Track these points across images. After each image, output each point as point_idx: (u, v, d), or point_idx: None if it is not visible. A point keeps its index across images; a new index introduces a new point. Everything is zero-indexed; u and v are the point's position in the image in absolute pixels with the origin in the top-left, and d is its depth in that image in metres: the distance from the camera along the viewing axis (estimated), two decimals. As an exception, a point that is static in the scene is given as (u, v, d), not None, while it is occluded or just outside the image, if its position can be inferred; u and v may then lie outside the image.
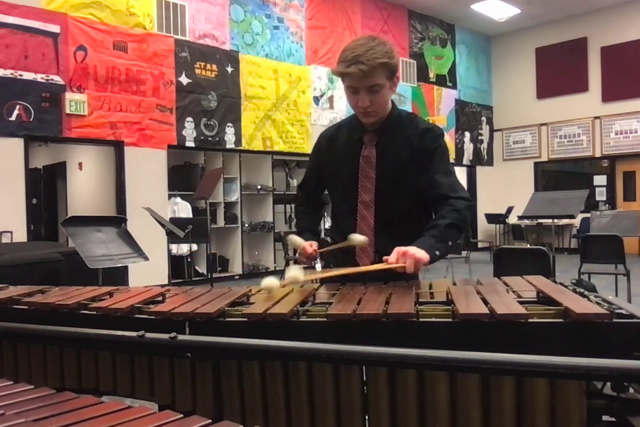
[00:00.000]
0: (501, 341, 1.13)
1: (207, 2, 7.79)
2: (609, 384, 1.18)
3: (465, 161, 11.95)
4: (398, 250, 1.48)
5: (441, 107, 11.38)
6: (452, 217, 1.62)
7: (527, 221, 10.06)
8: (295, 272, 1.48)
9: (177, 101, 7.42)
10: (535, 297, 1.33)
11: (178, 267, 7.40)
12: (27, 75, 6.11)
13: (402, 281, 1.54)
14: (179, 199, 7.54)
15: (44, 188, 9.28)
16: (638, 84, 10.34)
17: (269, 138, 8.42)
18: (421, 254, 1.47)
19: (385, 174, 1.75)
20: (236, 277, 8.16)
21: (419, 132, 1.74)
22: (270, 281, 1.47)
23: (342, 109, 9.47)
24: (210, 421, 0.82)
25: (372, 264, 1.72)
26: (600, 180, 11.14)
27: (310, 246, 1.76)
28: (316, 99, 9.09)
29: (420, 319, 1.19)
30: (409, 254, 1.46)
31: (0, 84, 5.91)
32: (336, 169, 1.85)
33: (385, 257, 1.51)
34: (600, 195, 11.06)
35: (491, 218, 11.18)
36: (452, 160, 11.54)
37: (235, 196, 8.23)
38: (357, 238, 1.66)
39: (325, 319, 1.24)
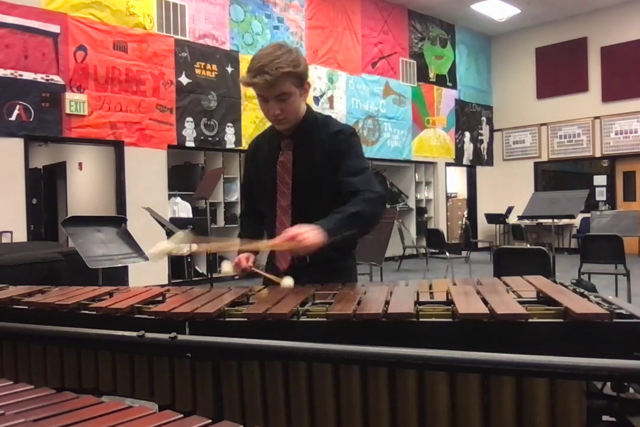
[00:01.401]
0: (501, 341, 1.13)
1: (207, 2, 7.79)
2: (609, 384, 1.18)
3: (465, 161, 11.95)
4: (287, 231, 1.50)
5: (441, 107, 11.38)
6: (359, 206, 1.61)
7: (527, 221, 10.06)
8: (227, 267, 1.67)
9: (177, 101, 7.42)
10: (535, 297, 1.33)
11: (178, 267, 7.40)
12: (27, 75, 6.11)
13: (403, 281, 1.54)
14: (179, 199, 7.53)
15: (44, 188, 9.28)
16: (638, 84, 10.34)
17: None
18: (314, 237, 1.47)
19: (300, 179, 1.76)
20: (236, 277, 8.13)
21: (331, 135, 1.74)
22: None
23: (342, 109, 9.47)
24: (210, 421, 0.82)
25: (289, 268, 1.74)
26: (600, 180, 11.15)
27: (247, 260, 1.77)
28: (316, 99, 9.09)
29: (420, 319, 1.19)
30: (298, 239, 1.46)
31: (0, 84, 5.91)
32: (259, 177, 1.88)
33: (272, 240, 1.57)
34: (600, 195, 11.06)
35: (491, 218, 11.18)
36: (452, 160, 11.59)
37: (235, 196, 8.24)
38: (286, 283, 1.59)
39: (325, 319, 1.24)
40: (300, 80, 1.68)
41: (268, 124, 1.84)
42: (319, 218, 1.63)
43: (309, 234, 1.48)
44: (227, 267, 1.74)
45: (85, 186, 8.56)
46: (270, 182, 1.80)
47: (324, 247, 1.51)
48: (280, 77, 1.60)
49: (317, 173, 1.74)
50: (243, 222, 2.08)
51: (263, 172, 1.85)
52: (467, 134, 11.98)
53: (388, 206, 10.06)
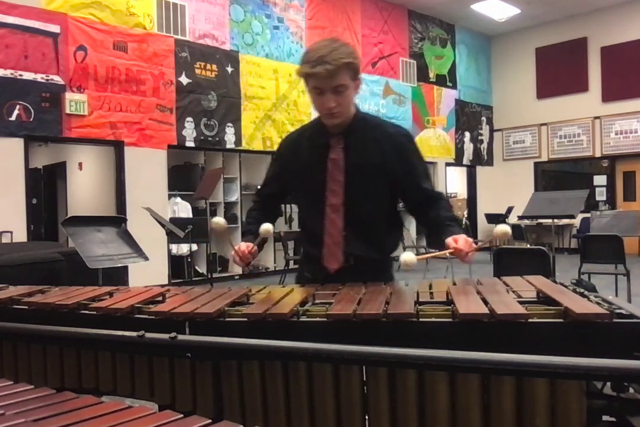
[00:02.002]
0: (501, 341, 1.13)
1: (207, 2, 7.79)
2: (609, 384, 1.18)
3: (465, 161, 11.95)
4: (466, 239, 1.53)
5: (441, 107, 11.38)
6: (453, 218, 1.70)
7: (527, 221, 10.06)
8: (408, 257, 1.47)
9: (177, 101, 7.42)
10: (535, 297, 1.33)
11: (178, 267, 7.40)
12: (27, 75, 6.11)
13: (403, 282, 1.54)
14: (179, 199, 7.53)
15: (44, 188, 9.28)
16: (638, 84, 10.34)
17: (269, 138, 8.42)
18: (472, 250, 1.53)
19: (354, 177, 1.74)
20: (236, 277, 8.16)
21: (388, 135, 1.75)
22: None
23: (342, 109, 9.46)
24: (210, 421, 0.82)
25: (340, 267, 1.72)
26: (600, 180, 11.14)
27: (247, 247, 1.71)
28: (316, 99, 9.08)
29: (420, 319, 1.19)
30: (469, 243, 1.52)
31: (0, 84, 5.91)
32: (303, 174, 1.84)
33: (451, 239, 1.54)
34: (600, 195, 11.06)
35: (491, 218, 11.17)
36: (452, 160, 11.59)
37: (235, 196, 8.23)
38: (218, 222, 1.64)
39: (325, 319, 1.24)
40: (356, 73, 1.68)
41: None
42: (370, 217, 1.71)
43: (470, 248, 1.52)
44: (218, 219, 1.66)
45: (85, 186, 8.56)
46: (318, 180, 1.77)
47: (368, 249, 1.60)
48: (340, 67, 1.60)
49: (372, 173, 1.73)
50: (251, 215, 1.98)
51: (307, 170, 1.81)
52: (467, 134, 11.98)
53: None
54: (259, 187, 2.04)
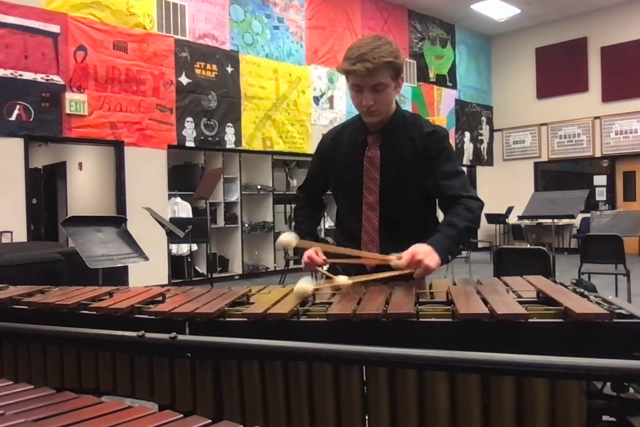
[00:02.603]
0: (501, 341, 1.13)
1: (207, 2, 7.79)
2: (609, 384, 1.18)
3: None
4: (412, 256, 1.45)
5: (441, 107, 11.38)
6: (468, 219, 1.63)
7: (527, 221, 10.06)
8: (304, 284, 1.41)
9: (177, 101, 7.42)
10: (535, 297, 1.33)
11: (178, 267, 7.40)
12: (27, 75, 6.11)
13: (403, 281, 1.54)
14: (179, 199, 7.53)
15: (44, 188, 9.27)
16: (638, 84, 10.34)
17: (269, 138, 8.42)
18: (434, 263, 1.46)
19: (389, 176, 1.74)
20: (236, 277, 8.16)
21: (424, 135, 1.73)
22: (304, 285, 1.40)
23: (342, 109, 9.47)
24: (210, 421, 0.82)
25: (377, 266, 1.65)
26: (600, 180, 11.14)
27: (317, 254, 1.66)
28: (316, 99, 9.09)
29: (420, 319, 1.19)
30: (423, 264, 1.44)
31: (0, 84, 5.91)
32: (341, 170, 1.83)
33: (397, 256, 1.49)
34: (600, 195, 11.06)
35: (491, 218, 11.17)
36: (452, 160, 11.61)
37: (235, 196, 8.23)
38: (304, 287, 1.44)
39: (325, 319, 1.24)
40: (397, 72, 1.66)
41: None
42: (406, 216, 1.67)
43: (428, 260, 1.45)
44: (306, 283, 1.42)
45: (85, 186, 8.56)
46: (356, 177, 1.77)
47: (403, 247, 1.50)
48: (381, 65, 1.59)
49: (406, 171, 1.72)
50: (300, 214, 1.97)
51: (345, 167, 1.81)
52: (467, 134, 11.98)
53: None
54: (300, 183, 2.01)
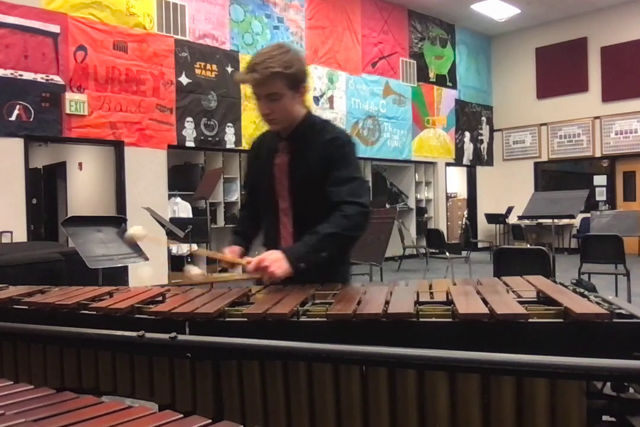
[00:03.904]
0: (501, 341, 1.13)
1: (207, 2, 7.79)
2: (609, 384, 1.18)
3: (465, 161, 11.95)
4: (259, 262, 1.53)
5: (441, 107, 11.38)
6: (336, 225, 1.60)
7: (527, 221, 10.06)
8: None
9: (177, 101, 7.41)
10: (535, 297, 1.33)
11: (178, 268, 7.40)
12: (27, 75, 6.11)
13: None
14: (179, 199, 7.53)
15: (44, 188, 9.28)
16: (638, 84, 10.34)
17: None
18: (280, 271, 1.51)
19: (297, 182, 1.75)
20: (236, 277, 8.14)
21: (326, 141, 1.73)
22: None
23: (342, 109, 9.47)
24: (210, 421, 0.82)
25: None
26: (600, 180, 11.14)
27: (231, 253, 1.77)
28: (316, 99, 9.08)
29: (420, 319, 1.19)
30: (268, 270, 1.50)
31: (0, 84, 5.91)
32: (257, 176, 1.87)
33: (247, 261, 1.58)
34: (600, 195, 11.06)
35: (491, 218, 11.18)
36: (452, 160, 11.58)
37: (235, 196, 8.23)
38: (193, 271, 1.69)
39: (325, 319, 1.24)
40: (294, 82, 1.66)
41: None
42: (320, 221, 1.64)
43: (275, 267, 1.51)
44: (196, 270, 1.71)
45: (85, 186, 8.56)
46: (269, 184, 1.80)
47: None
48: (269, 76, 1.60)
49: (313, 177, 1.72)
50: (240, 215, 2.09)
51: (262, 173, 1.84)
52: (467, 134, 11.98)
53: (388, 206, 10.05)
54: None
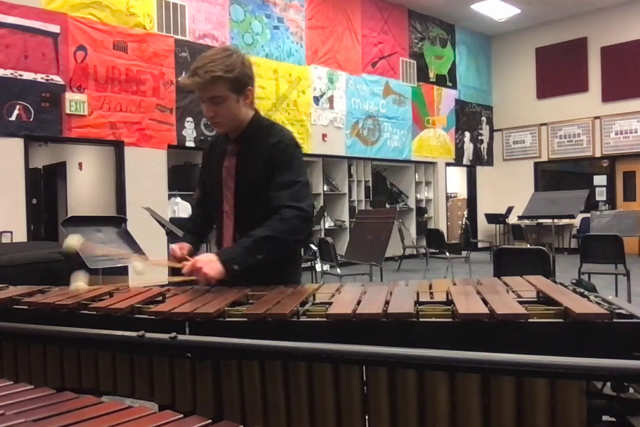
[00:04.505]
0: (501, 341, 1.13)
1: (207, 2, 7.79)
2: (609, 384, 1.18)
3: (465, 161, 11.95)
4: (194, 264, 1.56)
5: (441, 107, 11.38)
6: (272, 228, 1.62)
7: (527, 221, 10.06)
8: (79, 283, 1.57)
9: (177, 101, 7.41)
10: (535, 297, 1.33)
11: (178, 268, 7.39)
12: (27, 75, 6.11)
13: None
14: (179, 199, 7.53)
15: (44, 188, 9.27)
16: (638, 84, 10.34)
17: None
18: (213, 272, 1.54)
19: (243, 185, 1.76)
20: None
21: (271, 144, 1.73)
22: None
23: (342, 109, 9.47)
24: (210, 421, 0.82)
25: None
26: (600, 180, 11.14)
27: (180, 249, 1.79)
28: (316, 99, 9.09)
29: (420, 319, 1.19)
30: (201, 272, 1.54)
31: (0, 84, 5.91)
32: (208, 179, 1.89)
33: (183, 263, 1.60)
34: (600, 195, 11.06)
35: (491, 218, 11.18)
36: (452, 160, 11.58)
37: (235, 196, 8.22)
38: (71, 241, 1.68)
39: (325, 319, 1.24)
40: (237, 85, 1.67)
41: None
42: (261, 224, 1.67)
43: (208, 268, 1.53)
44: (139, 267, 1.72)
45: (85, 186, 8.56)
46: (216, 185, 1.81)
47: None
48: (210, 80, 1.60)
49: (260, 180, 1.73)
50: (195, 213, 2.08)
51: (211, 175, 1.86)
52: (467, 134, 11.98)
53: (388, 206, 10.06)
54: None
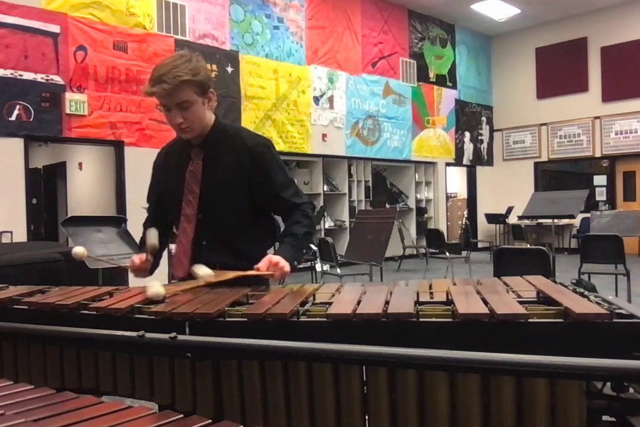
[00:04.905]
0: (501, 341, 1.13)
1: (207, 2, 7.79)
2: (609, 384, 1.18)
3: (465, 161, 11.95)
4: (270, 259, 1.61)
5: (441, 107, 11.38)
6: (306, 225, 1.75)
7: (527, 221, 10.06)
8: (156, 287, 1.49)
9: (177, 101, 7.41)
10: (535, 297, 1.33)
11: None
12: (27, 75, 6.11)
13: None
14: (179, 199, 7.52)
15: (44, 188, 9.27)
16: (638, 84, 10.34)
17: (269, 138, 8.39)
18: (288, 266, 1.62)
19: (209, 188, 1.76)
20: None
21: (248, 148, 1.75)
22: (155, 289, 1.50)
23: (342, 109, 9.47)
24: (210, 421, 0.82)
25: (186, 274, 1.72)
26: (600, 180, 11.14)
27: (140, 259, 1.80)
28: (316, 99, 9.09)
29: (420, 319, 1.19)
30: (279, 266, 1.59)
31: (0, 84, 5.91)
32: (167, 185, 1.87)
33: (256, 266, 1.60)
34: (600, 195, 11.06)
35: (491, 218, 11.18)
36: (452, 160, 11.59)
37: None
38: (202, 271, 1.58)
39: (325, 319, 1.24)
40: (202, 88, 1.68)
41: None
42: (232, 227, 1.71)
43: (284, 263, 1.60)
44: (158, 288, 1.50)
45: (85, 186, 8.56)
46: (177, 191, 1.80)
47: (235, 257, 1.69)
48: (179, 85, 1.61)
49: (230, 184, 1.74)
50: (148, 227, 1.96)
51: (172, 181, 1.84)
52: (467, 134, 11.98)
53: (388, 206, 10.06)
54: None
